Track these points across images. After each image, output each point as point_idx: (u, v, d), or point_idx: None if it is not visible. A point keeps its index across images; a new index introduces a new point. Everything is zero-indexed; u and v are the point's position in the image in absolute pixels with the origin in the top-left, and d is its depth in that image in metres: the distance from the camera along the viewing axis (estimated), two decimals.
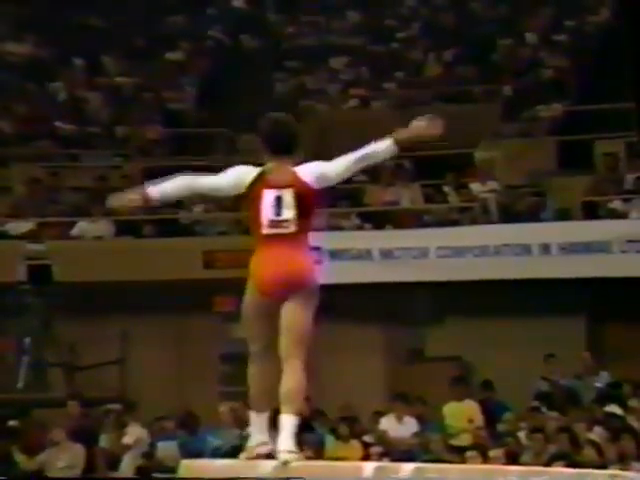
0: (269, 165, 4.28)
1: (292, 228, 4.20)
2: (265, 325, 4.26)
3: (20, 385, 10.93)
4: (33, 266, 10.94)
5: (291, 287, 4.21)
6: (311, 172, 4.23)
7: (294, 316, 4.22)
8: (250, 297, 4.31)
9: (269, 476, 4.08)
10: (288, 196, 4.20)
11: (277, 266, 4.20)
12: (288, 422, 4.14)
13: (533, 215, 10.64)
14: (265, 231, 4.22)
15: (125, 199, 4.31)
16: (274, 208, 4.19)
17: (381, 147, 4.22)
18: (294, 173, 4.24)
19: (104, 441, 9.69)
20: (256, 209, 4.22)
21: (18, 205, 11.77)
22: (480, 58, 12.97)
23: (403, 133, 4.25)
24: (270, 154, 4.29)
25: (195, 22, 14.59)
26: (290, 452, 4.09)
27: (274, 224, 4.20)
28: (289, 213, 4.19)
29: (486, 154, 11.22)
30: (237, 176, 4.27)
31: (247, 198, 4.26)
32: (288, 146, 4.29)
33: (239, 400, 9.36)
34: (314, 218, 4.27)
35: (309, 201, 4.22)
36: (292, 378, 4.16)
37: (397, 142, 4.22)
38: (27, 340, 11.09)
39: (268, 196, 4.19)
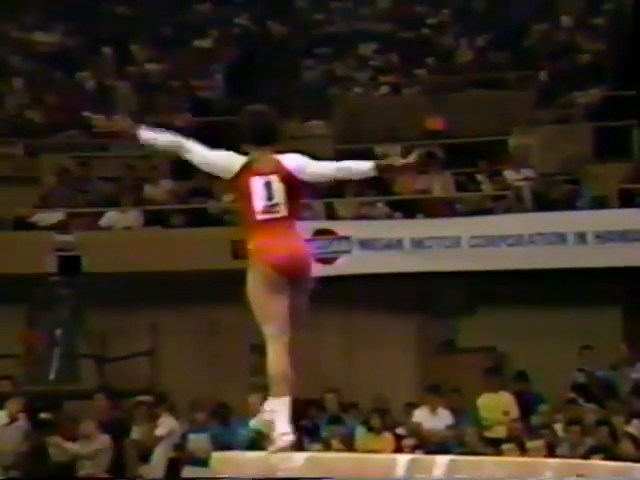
0: (254, 154, 4.46)
1: (284, 212, 4.39)
2: (280, 304, 4.35)
3: (52, 377, 10.93)
4: (63, 257, 10.93)
5: (302, 269, 4.37)
6: (293, 161, 4.43)
7: (304, 301, 4.37)
8: (262, 277, 4.38)
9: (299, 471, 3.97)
10: (276, 182, 4.39)
11: (289, 246, 4.37)
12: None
13: (568, 203, 10.45)
14: (260, 217, 4.39)
15: (112, 120, 4.47)
16: (265, 193, 4.38)
17: (363, 167, 4.44)
18: (278, 161, 4.44)
19: (136, 433, 9.66)
20: (247, 197, 4.40)
21: (47, 196, 11.76)
22: (513, 43, 12.76)
23: (385, 163, 4.47)
24: (253, 145, 4.48)
25: (223, 9, 14.50)
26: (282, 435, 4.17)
27: (267, 209, 4.39)
28: (279, 197, 4.38)
29: (520, 141, 11.03)
30: (228, 161, 4.48)
31: (234, 186, 4.45)
32: (270, 136, 4.51)
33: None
34: (301, 203, 4.48)
35: (294, 186, 4.41)
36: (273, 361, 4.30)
37: (378, 168, 4.43)
38: (58, 332, 11.08)
39: (257, 183, 4.39)
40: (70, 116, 12.90)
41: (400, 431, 9.22)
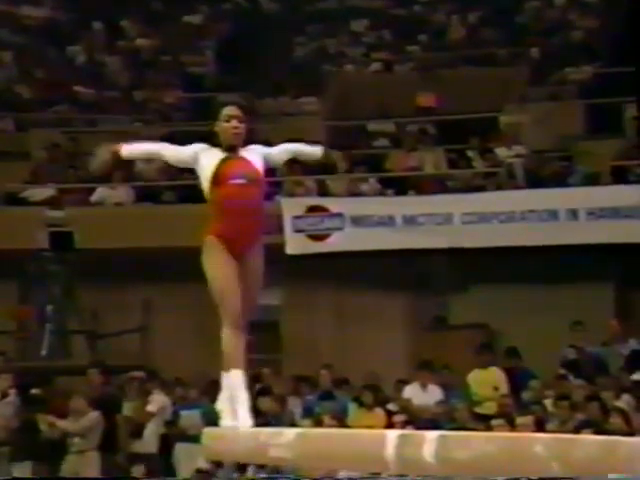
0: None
1: None
2: None
3: (43, 353, 10.92)
4: (54, 233, 10.90)
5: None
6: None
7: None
8: None
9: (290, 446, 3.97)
10: None
11: None
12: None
13: (560, 180, 10.44)
14: None
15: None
16: None
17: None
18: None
19: (127, 409, 9.67)
20: None
21: (38, 171, 11.70)
22: (506, 20, 12.72)
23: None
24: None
25: None
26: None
27: None
28: None
29: (512, 118, 11.01)
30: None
31: None
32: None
33: (262, 367, 9.30)
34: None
35: None
36: None
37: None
38: (49, 308, 11.07)
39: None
40: (60, 91, 12.82)
41: (391, 407, 9.25)
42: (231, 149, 4.38)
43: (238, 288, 4.28)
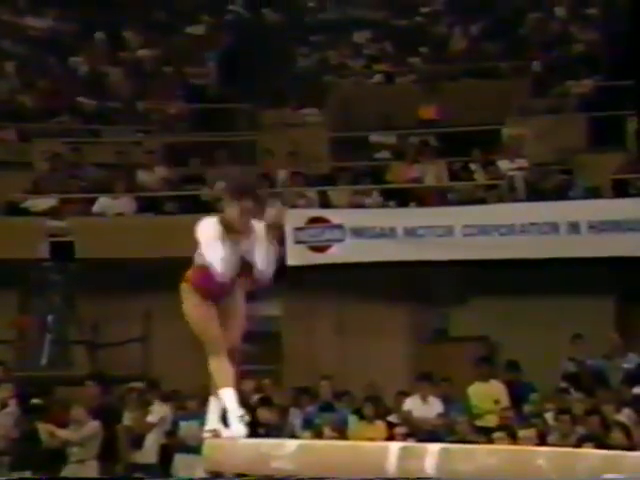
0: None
1: None
2: None
3: (43, 363, 10.91)
4: (55, 243, 10.90)
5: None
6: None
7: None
8: None
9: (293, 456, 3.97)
10: None
11: None
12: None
13: (562, 193, 10.46)
14: None
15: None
16: None
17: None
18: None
19: (128, 419, 9.65)
20: None
21: (39, 181, 11.71)
22: (508, 32, 12.76)
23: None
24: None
25: None
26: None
27: None
28: None
29: (514, 131, 11.03)
30: None
31: None
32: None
33: (262, 378, 9.28)
34: None
35: None
36: None
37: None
38: (50, 317, 11.07)
39: None
40: (62, 101, 12.85)
41: (392, 419, 9.23)
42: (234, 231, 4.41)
43: (215, 315, 4.42)
